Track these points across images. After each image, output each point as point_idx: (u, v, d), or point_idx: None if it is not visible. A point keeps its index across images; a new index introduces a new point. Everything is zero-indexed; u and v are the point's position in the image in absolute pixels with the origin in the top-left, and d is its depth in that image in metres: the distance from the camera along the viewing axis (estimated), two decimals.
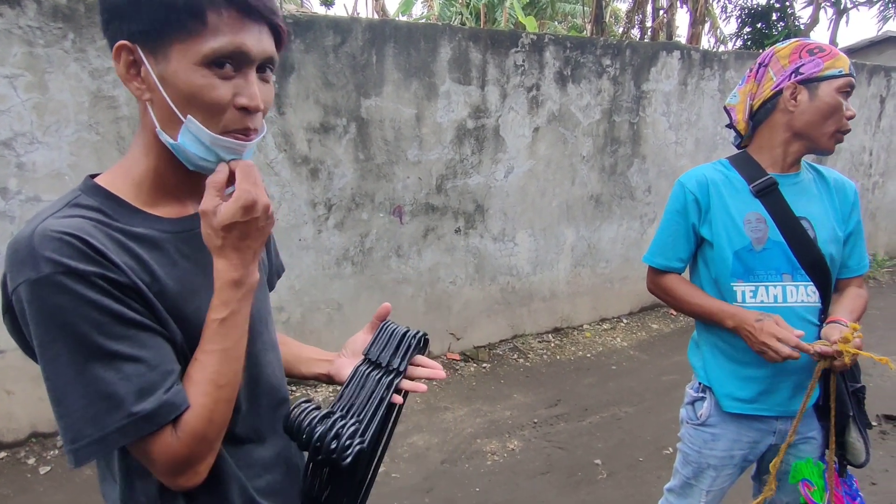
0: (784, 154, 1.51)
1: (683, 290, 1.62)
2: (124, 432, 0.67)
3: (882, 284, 6.01)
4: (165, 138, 0.74)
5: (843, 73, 1.41)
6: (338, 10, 25.78)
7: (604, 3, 8.99)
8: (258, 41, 0.72)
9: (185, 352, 0.75)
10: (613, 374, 3.89)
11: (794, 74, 1.45)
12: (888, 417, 3.37)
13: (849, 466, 1.54)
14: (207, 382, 0.73)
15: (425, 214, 3.65)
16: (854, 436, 1.48)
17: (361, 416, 0.85)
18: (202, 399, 0.72)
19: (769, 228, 1.47)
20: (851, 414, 1.47)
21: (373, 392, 0.87)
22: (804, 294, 1.47)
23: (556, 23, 16.14)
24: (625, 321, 4.77)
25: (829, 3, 8.34)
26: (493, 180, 3.85)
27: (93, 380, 0.66)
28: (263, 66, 0.75)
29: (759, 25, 9.36)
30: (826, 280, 1.47)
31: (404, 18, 14.87)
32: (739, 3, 9.33)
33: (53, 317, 0.65)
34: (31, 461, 2.84)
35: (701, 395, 1.65)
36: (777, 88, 1.49)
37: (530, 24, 11.54)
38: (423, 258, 3.71)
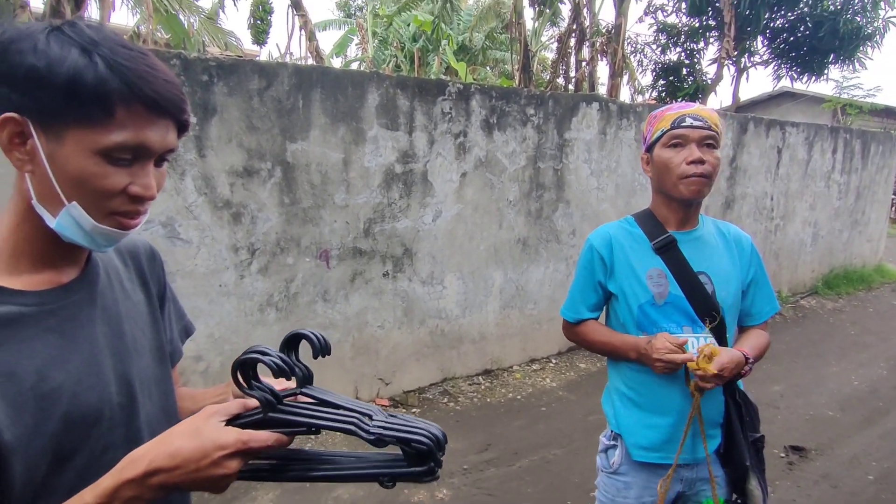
0: (668, 212, 1.61)
1: (592, 330, 1.71)
2: None
3: (787, 319, 6.45)
4: (43, 212, 0.72)
5: (665, 130, 1.54)
6: (271, 49, 25.76)
7: (530, 53, 9.43)
8: (162, 136, 0.73)
9: (32, 434, 0.70)
10: (543, 415, 3.93)
11: (645, 147, 1.63)
12: (795, 448, 3.57)
13: None
14: None
15: (353, 258, 3.62)
16: (753, 484, 1.56)
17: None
18: None
19: (670, 283, 1.56)
20: (749, 463, 1.55)
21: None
22: (703, 343, 1.56)
23: (488, 68, 16.78)
24: (554, 361, 4.86)
25: (731, 62, 9.16)
26: (421, 224, 3.89)
27: None
28: (162, 156, 0.76)
29: (671, 79, 10.13)
30: (722, 330, 1.57)
31: (338, 60, 15.03)
32: (654, 58, 10.08)
33: None
34: None
35: (613, 443, 1.70)
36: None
37: (462, 69, 11.94)
38: (351, 302, 3.66)
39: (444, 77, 13.07)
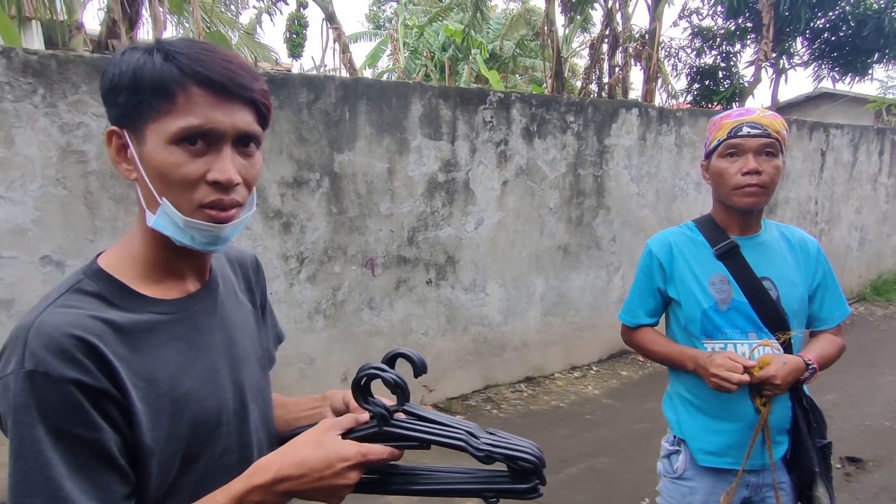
0: (729, 219, 1.60)
1: (651, 340, 1.71)
2: None
3: None
4: (149, 216, 0.76)
5: (722, 139, 1.52)
6: (305, 62, 26.31)
7: (562, 59, 9.41)
8: (229, 117, 0.73)
9: (167, 437, 0.75)
10: (588, 423, 3.90)
11: (704, 154, 1.62)
12: (851, 459, 3.46)
13: None
14: None
15: (397, 266, 3.67)
16: (821, 491, 1.53)
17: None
18: None
19: (733, 289, 1.55)
20: (817, 470, 1.52)
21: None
22: (769, 351, 1.54)
23: (518, 76, 16.81)
24: (595, 369, 4.82)
25: (769, 64, 8.98)
26: (463, 232, 3.92)
27: (36, 483, 0.66)
28: (244, 140, 0.76)
29: (706, 83, 9.96)
30: (787, 337, 1.55)
31: (370, 71, 15.25)
32: (688, 62, 9.94)
33: (19, 413, 0.66)
34: None
35: (676, 448, 1.69)
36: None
37: (493, 77, 11.98)
38: (396, 310, 3.70)
39: (474, 86, 13.14)
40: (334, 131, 3.33)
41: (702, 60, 9.82)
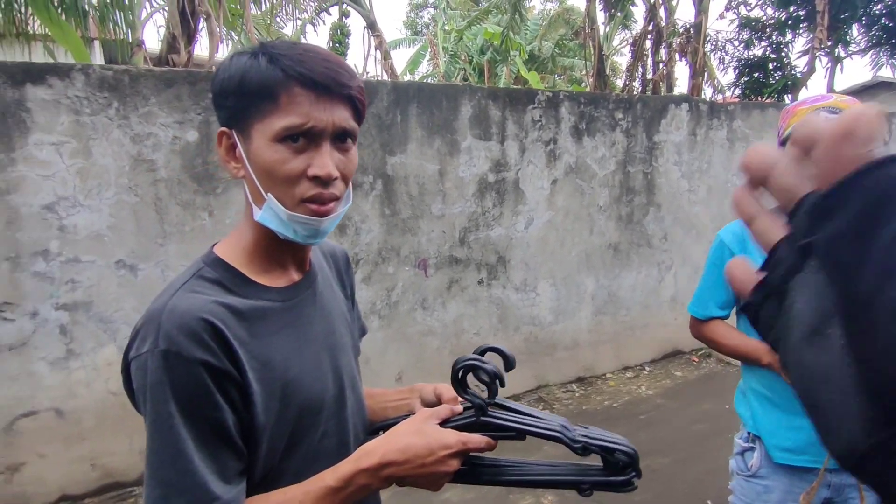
0: None
1: (722, 333, 1.67)
2: None
3: None
4: (255, 211, 0.80)
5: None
6: None
7: (604, 58, 9.30)
8: (328, 114, 0.76)
9: (277, 419, 0.79)
10: (643, 423, 3.83)
11: (778, 143, 1.56)
12: None
13: None
14: None
15: (449, 267, 3.71)
16: None
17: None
18: None
19: None
20: None
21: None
22: None
23: (557, 76, 16.68)
24: (648, 369, 4.74)
25: (823, 53, 8.64)
26: (514, 232, 3.92)
27: (170, 455, 0.71)
28: (342, 136, 0.79)
29: (755, 75, 9.66)
30: None
31: (409, 77, 15.41)
32: (736, 54, 9.66)
33: (154, 390, 0.71)
34: None
35: (750, 445, 1.65)
36: None
37: (533, 78, 11.94)
38: (448, 310, 3.74)
39: (513, 87, 13.11)
40: (386, 134, 3.39)
41: (750, 52, 9.53)
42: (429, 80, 15.58)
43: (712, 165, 4.86)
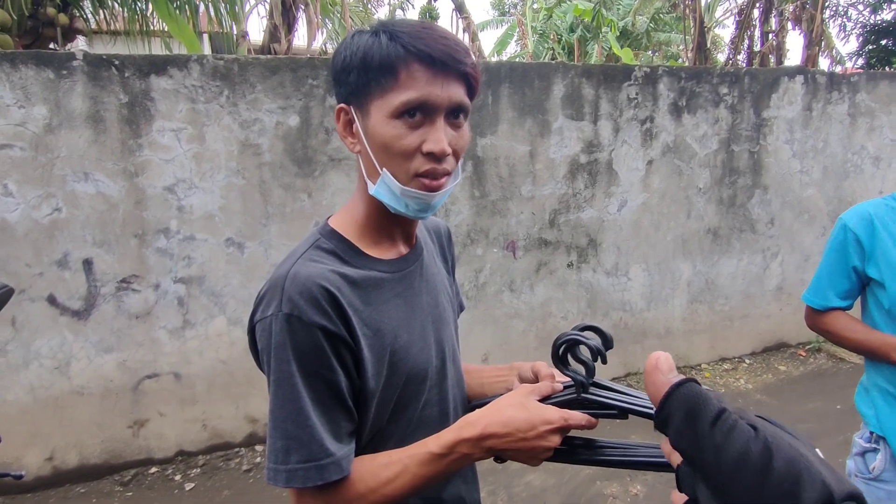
0: None
1: (843, 326, 1.54)
2: (308, 476, 0.75)
3: None
4: (370, 185, 0.83)
5: None
6: None
7: (706, 30, 8.72)
8: (444, 90, 0.77)
9: (385, 384, 0.82)
10: None
11: None
12: None
13: None
14: (386, 483, 0.79)
15: (538, 249, 3.67)
16: None
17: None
18: (371, 483, 0.79)
19: None
20: None
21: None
22: None
23: (651, 53, 15.85)
24: (747, 362, 4.47)
25: None
26: (605, 214, 3.81)
27: (291, 411, 0.75)
28: (455, 112, 0.80)
29: (883, 42, 8.69)
30: None
31: (497, 58, 15.23)
32: (860, 20, 8.72)
33: (278, 350, 0.75)
34: (178, 478, 3.09)
35: (873, 445, 1.52)
36: None
37: (626, 55, 11.42)
38: (536, 293, 3.71)
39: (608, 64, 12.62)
40: (477, 116, 3.39)
41: (878, 17, 8.56)
42: (517, 61, 15.34)
43: (829, 144, 4.44)
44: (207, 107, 2.93)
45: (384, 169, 0.80)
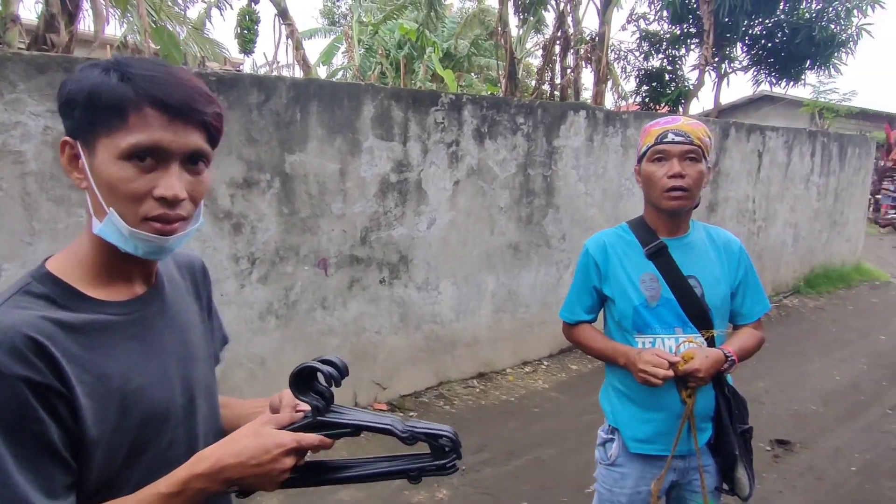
0: (658, 221, 1.72)
1: (588, 337, 1.82)
2: None
3: (771, 318, 6.62)
4: (95, 223, 0.79)
5: (650, 145, 1.65)
6: (258, 58, 25.74)
7: (516, 61, 9.55)
8: (179, 137, 0.76)
9: (114, 429, 0.78)
10: (536, 416, 4.03)
11: (637, 160, 1.74)
12: (780, 442, 3.70)
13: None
14: None
15: (350, 266, 3.70)
16: (741, 472, 1.67)
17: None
18: None
19: (661, 287, 1.66)
20: (737, 453, 1.66)
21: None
22: (693, 346, 1.66)
23: (473, 75, 16.94)
24: (545, 363, 4.97)
25: (711, 68, 9.38)
26: (416, 231, 3.98)
27: None
28: (193, 159, 0.80)
29: (654, 85, 10.32)
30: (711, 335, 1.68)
31: (324, 69, 15.08)
32: (637, 64, 10.27)
33: None
34: None
35: (610, 436, 1.80)
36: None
37: (448, 76, 12.05)
38: (349, 309, 3.73)
39: (430, 84, 13.19)
40: (285, 132, 3.33)
41: (649, 63, 10.17)
42: (343, 73, 15.31)
43: (607, 170, 5.16)
44: None
45: (111, 209, 0.77)
